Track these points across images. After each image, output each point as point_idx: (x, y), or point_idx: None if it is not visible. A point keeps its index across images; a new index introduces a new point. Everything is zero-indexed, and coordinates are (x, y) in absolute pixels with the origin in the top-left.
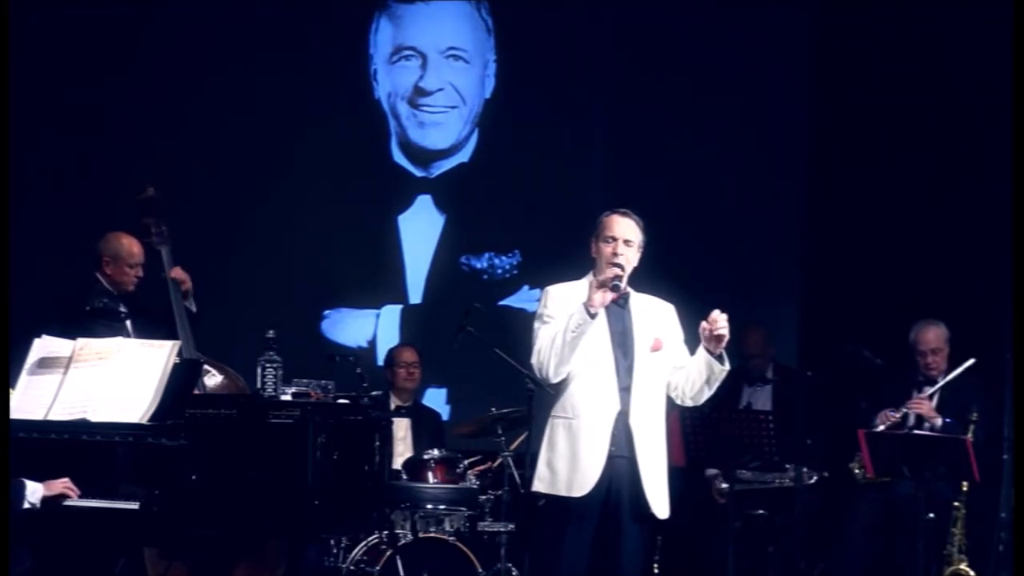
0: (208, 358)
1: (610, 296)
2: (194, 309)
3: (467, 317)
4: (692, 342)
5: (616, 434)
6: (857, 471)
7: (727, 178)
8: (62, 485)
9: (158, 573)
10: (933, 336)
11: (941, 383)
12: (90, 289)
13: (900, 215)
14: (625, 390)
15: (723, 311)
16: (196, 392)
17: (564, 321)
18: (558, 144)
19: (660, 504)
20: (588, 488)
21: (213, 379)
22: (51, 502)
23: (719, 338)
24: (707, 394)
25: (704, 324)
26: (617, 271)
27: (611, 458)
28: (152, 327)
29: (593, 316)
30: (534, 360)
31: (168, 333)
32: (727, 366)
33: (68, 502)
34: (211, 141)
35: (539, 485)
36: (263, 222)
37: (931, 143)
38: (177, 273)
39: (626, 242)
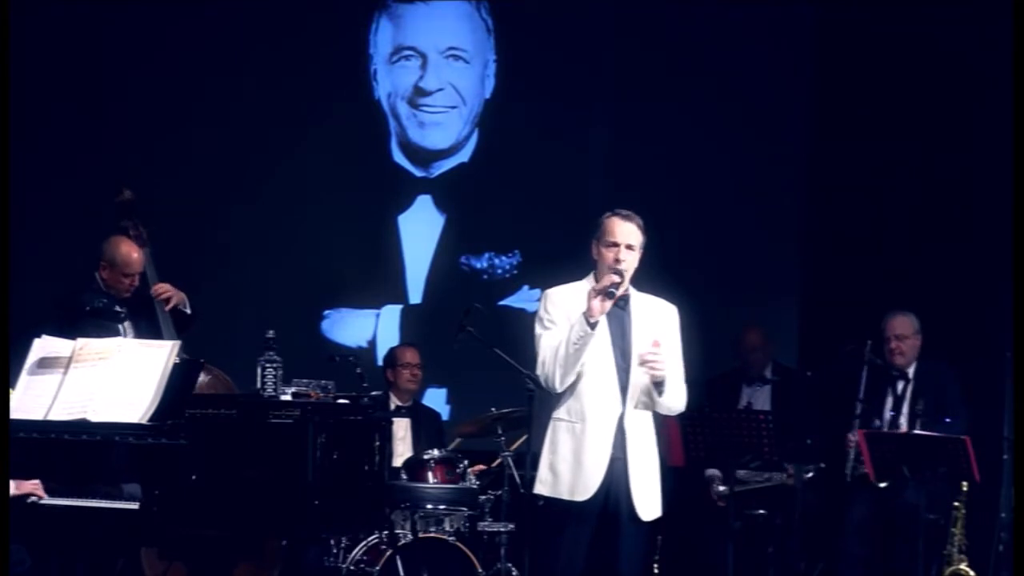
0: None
1: (609, 303)
2: (188, 311)
3: (467, 317)
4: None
5: (616, 436)
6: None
7: (727, 178)
8: (31, 486)
9: (158, 573)
10: (900, 322)
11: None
12: (87, 289)
13: (900, 215)
14: (623, 391)
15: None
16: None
17: (566, 330)
18: (558, 144)
19: (647, 505)
20: (591, 493)
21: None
22: (18, 501)
23: (652, 368)
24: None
25: (640, 352)
26: (615, 278)
27: (611, 460)
28: (147, 328)
29: (593, 326)
30: (539, 371)
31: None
32: (662, 398)
33: (69, 501)
34: (211, 141)
35: (541, 488)
36: (263, 222)
37: (931, 143)
38: (160, 289)
39: (628, 247)
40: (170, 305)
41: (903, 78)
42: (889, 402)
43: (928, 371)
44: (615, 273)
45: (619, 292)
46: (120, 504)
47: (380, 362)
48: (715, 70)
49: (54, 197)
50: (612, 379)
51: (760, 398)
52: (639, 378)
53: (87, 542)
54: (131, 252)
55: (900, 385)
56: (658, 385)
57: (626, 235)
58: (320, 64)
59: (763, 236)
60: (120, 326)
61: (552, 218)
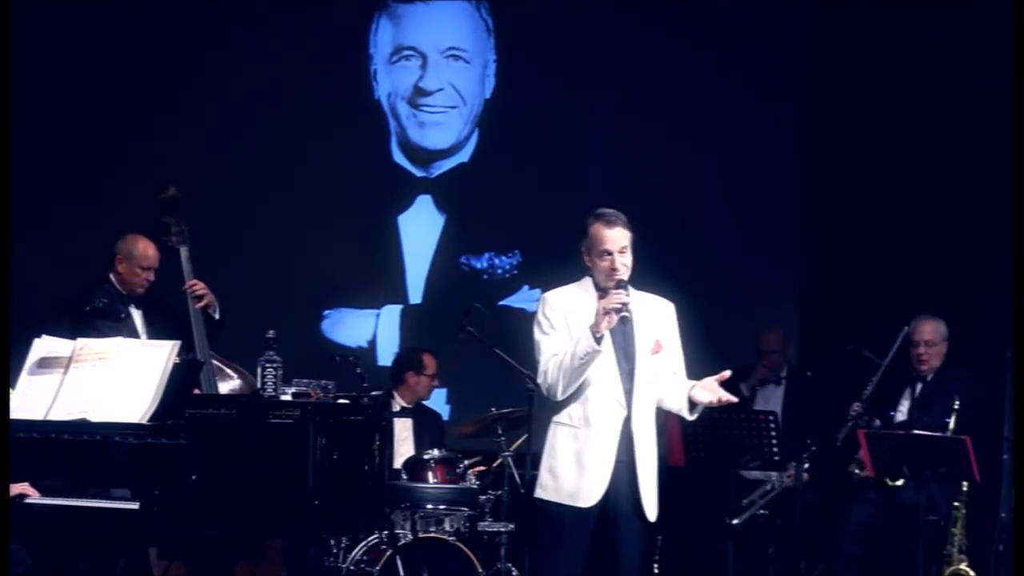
0: (224, 359)
1: (616, 319)
2: (217, 316)
3: (467, 317)
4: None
5: (621, 440)
6: (858, 471)
7: (727, 178)
8: (20, 487)
9: (158, 573)
10: (929, 328)
11: (875, 378)
12: (94, 290)
13: (900, 215)
14: (627, 394)
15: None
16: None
17: (566, 335)
18: (558, 144)
19: (652, 506)
20: (596, 500)
21: (232, 382)
22: (11, 502)
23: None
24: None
25: (714, 400)
26: (624, 297)
27: (615, 464)
28: (168, 328)
29: (599, 341)
30: (540, 380)
31: (184, 334)
32: (693, 418)
33: (67, 501)
34: (211, 141)
35: (542, 493)
36: (263, 222)
37: (932, 142)
38: (196, 286)
39: (622, 251)
40: (201, 304)
41: (903, 78)
42: (905, 405)
43: (948, 377)
44: (619, 287)
45: (626, 312)
46: (120, 504)
47: (380, 362)
48: (715, 70)
49: (54, 197)
50: (616, 383)
51: (772, 398)
52: (644, 380)
53: (87, 542)
54: (147, 247)
55: (918, 388)
56: (692, 408)
57: (617, 240)
58: (320, 64)
59: (764, 236)
60: (123, 325)
61: (552, 218)
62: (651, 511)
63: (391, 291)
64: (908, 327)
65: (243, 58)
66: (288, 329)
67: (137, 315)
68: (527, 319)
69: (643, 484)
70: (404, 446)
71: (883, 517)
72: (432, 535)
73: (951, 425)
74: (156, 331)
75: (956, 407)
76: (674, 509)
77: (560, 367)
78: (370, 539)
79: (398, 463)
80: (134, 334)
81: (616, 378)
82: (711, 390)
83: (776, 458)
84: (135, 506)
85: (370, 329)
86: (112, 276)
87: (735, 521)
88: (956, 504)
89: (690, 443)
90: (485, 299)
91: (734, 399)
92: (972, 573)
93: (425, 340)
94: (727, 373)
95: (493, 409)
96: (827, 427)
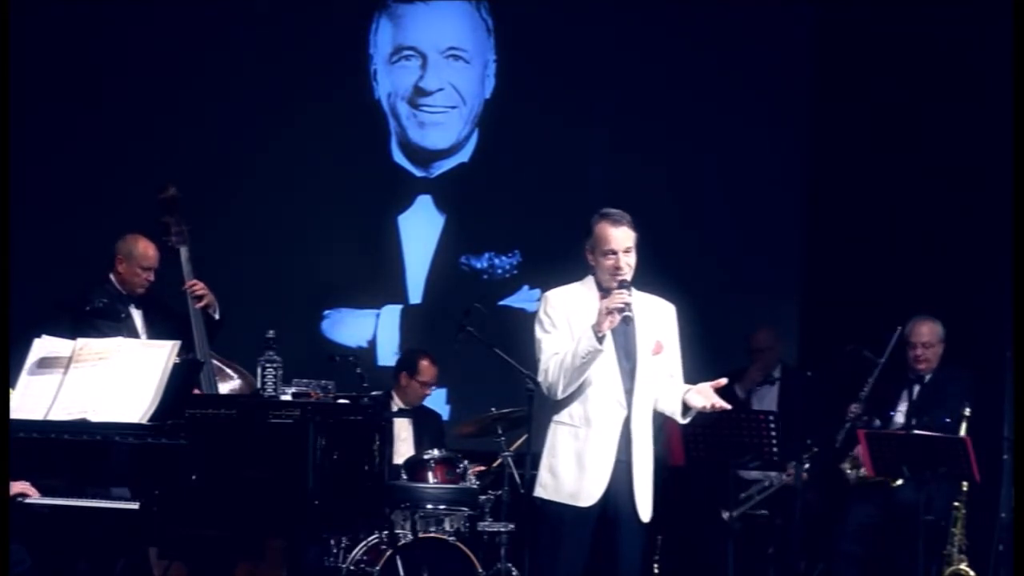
0: (224, 359)
1: (619, 319)
2: (217, 316)
3: (467, 317)
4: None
5: (621, 440)
6: (850, 471)
7: (727, 178)
8: (21, 486)
9: (158, 573)
10: (926, 330)
11: (872, 384)
12: (94, 290)
13: (900, 215)
14: (628, 393)
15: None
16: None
17: (567, 334)
18: (558, 144)
19: (646, 507)
20: (595, 499)
21: (232, 382)
22: (10, 501)
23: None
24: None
25: (707, 405)
26: (626, 297)
27: (615, 463)
28: (168, 328)
29: (601, 340)
30: (541, 379)
31: (184, 334)
32: (685, 421)
33: (68, 501)
34: (210, 141)
35: (541, 492)
36: (263, 222)
37: (932, 142)
38: (196, 286)
39: (626, 251)
40: (201, 304)
41: (903, 78)
42: (903, 407)
43: (946, 378)
44: (622, 287)
45: (628, 312)
46: (120, 504)
47: (380, 362)
48: (715, 70)
49: (54, 197)
50: (616, 382)
51: (767, 397)
52: (644, 380)
53: (87, 542)
54: (148, 247)
55: (916, 389)
56: (685, 413)
57: (621, 240)
58: (320, 64)
59: (764, 236)
60: (123, 325)
61: (552, 218)
62: (644, 511)
63: (391, 291)
64: (904, 326)
65: (243, 58)
66: (288, 329)
67: (137, 315)
68: (527, 319)
69: (638, 484)
70: (404, 446)
71: (883, 517)
72: (432, 535)
73: (962, 431)
74: (156, 331)
75: (967, 413)
76: (674, 509)
77: (561, 366)
78: (370, 539)
79: (398, 462)
80: (134, 334)
81: (617, 378)
82: (706, 395)
83: (776, 458)
84: (135, 506)
85: (370, 329)
86: (112, 276)
87: (732, 514)
88: (956, 504)
89: (690, 443)
90: (485, 299)
91: (727, 406)
92: (972, 573)
93: (425, 340)
94: (723, 380)
95: (493, 409)
96: (827, 427)
